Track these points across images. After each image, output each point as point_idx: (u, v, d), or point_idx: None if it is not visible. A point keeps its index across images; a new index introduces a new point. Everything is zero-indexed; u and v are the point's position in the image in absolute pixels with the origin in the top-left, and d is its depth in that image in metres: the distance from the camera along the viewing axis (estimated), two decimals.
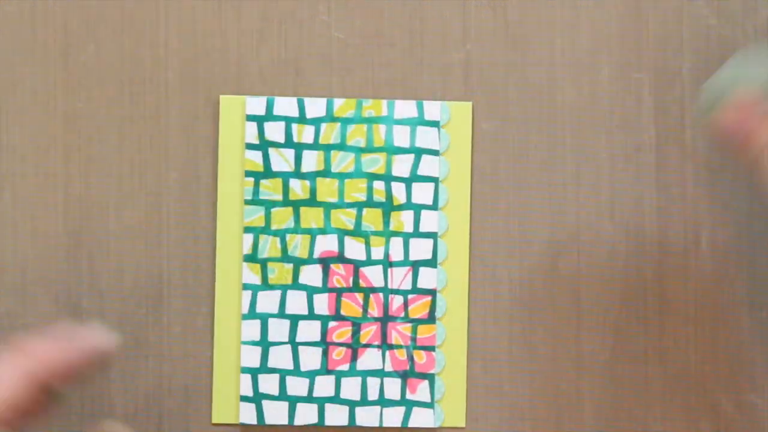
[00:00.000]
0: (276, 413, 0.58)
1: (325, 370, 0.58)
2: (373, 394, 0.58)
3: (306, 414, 0.58)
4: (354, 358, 0.58)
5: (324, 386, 0.58)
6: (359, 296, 0.58)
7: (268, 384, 0.58)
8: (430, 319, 0.58)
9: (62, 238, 0.60)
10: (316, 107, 0.58)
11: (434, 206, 0.58)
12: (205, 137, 0.59)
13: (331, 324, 0.58)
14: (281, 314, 0.58)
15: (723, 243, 0.58)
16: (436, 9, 0.59)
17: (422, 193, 0.58)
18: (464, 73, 0.59)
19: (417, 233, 0.58)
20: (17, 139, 0.60)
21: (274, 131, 0.58)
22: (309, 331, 0.58)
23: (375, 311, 0.58)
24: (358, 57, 0.59)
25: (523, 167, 0.58)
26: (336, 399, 0.58)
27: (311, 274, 0.58)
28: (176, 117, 0.59)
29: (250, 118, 0.58)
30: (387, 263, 0.58)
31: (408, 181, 0.58)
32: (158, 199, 0.59)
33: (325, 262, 0.58)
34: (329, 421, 0.58)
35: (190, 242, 0.59)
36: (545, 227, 0.58)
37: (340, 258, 0.58)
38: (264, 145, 0.58)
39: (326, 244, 0.58)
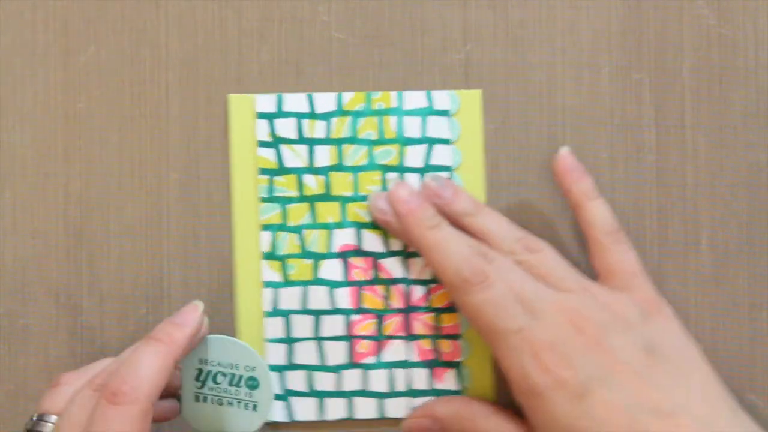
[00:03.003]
0: (305, 409, 0.58)
1: (352, 363, 0.58)
2: (400, 385, 0.58)
3: (335, 408, 0.58)
4: (379, 350, 0.58)
5: (351, 380, 0.58)
6: (380, 288, 0.58)
7: (296, 380, 0.58)
8: (453, 307, 0.58)
9: (62, 238, 0.60)
10: (325, 102, 0.58)
11: None
12: (206, 137, 0.59)
13: (354, 317, 0.58)
14: (304, 310, 0.58)
15: (723, 243, 0.58)
16: (436, 9, 0.59)
17: None
18: (464, 73, 0.59)
19: None
20: (17, 139, 0.60)
21: (286, 128, 0.58)
22: (333, 325, 0.58)
23: (397, 302, 0.58)
24: (358, 57, 0.59)
25: (523, 167, 0.58)
26: (364, 392, 0.58)
27: (331, 269, 0.58)
28: (176, 117, 0.59)
29: (261, 115, 0.58)
30: (405, 254, 0.58)
31: (422, 172, 0.58)
32: (158, 199, 0.59)
33: (344, 255, 0.58)
34: (359, 415, 0.58)
35: (190, 242, 0.59)
36: (545, 227, 0.58)
37: (359, 251, 0.58)
38: (276, 142, 0.58)
39: (344, 237, 0.58)
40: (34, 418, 0.51)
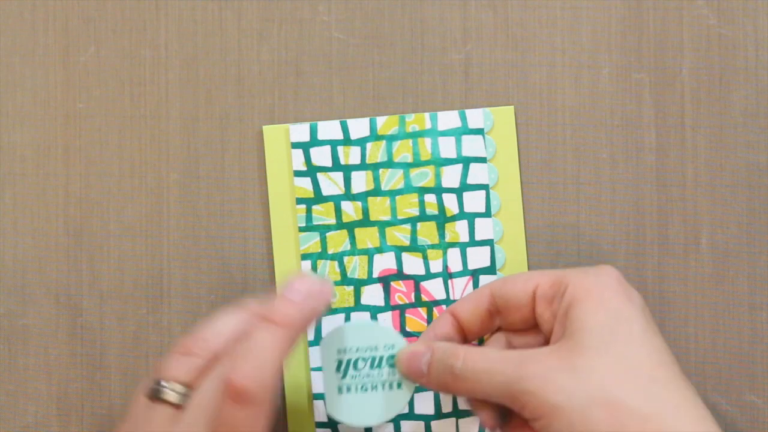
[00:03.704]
0: None
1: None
2: (446, 407, 0.57)
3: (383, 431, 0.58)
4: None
5: None
6: (422, 311, 0.58)
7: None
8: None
9: (62, 238, 0.60)
10: (359, 127, 0.58)
11: (487, 213, 0.58)
12: (205, 137, 0.59)
13: None
14: None
15: (723, 243, 0.58)
16: (436, 9, 0.59)
17: (474, 202, 0.58)
18: (464, 73, 0.59)
19: (473, 242, 0.58)
20: (17, 139, 0.60)
21: (321, 156, 0.58)
22: None
23: None
24: (358, 57, 0.59)
25: (523, 167, 0.58)
26: (411, 415, 0.58)
27: (373, 294, 0.58)
28: (176, 117, 0.59)
29: (295, 145, 0.58)
30: (447, 275, 0.58)
31: (459, 191, 0.58)
32: (158, 199, 0.59)
33: (385, 280, 0.58)
34: None
35: (190, 242, 0.59)
36: (545, 227, 0.58)
37: (400, 275, 0.58)
38: (312, 171, 0.58)
39: (384, 262, 0.58)
40: (160, 384, 0.49)
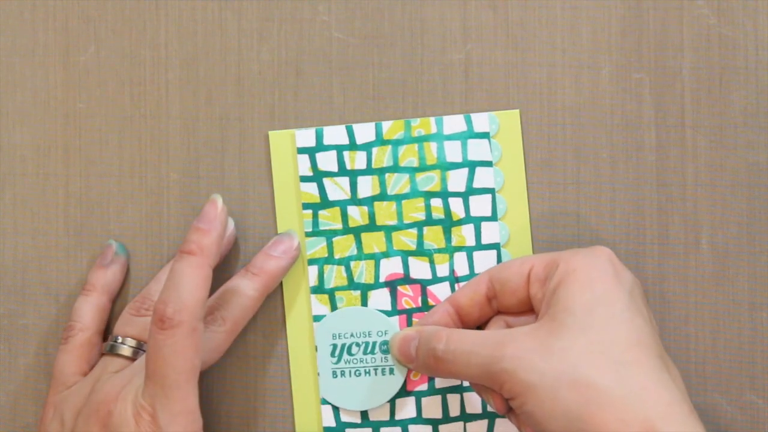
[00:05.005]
0: None
1: (405, 392, 0.58)
2: (454, 411, 0.58)
3: None
4: (431, 377, 0.58)
5: (406, 408, 0.58)
6: None
7: (350, 413, 0.58)
8: None
9: (62, 238, 0.60)
10: (365, 132, 0.58)
11: (493, 217, 0.58)
12: (205, 137, 0.59)
13: None
14: None
15: (723, 243, 0.58)
16: (436, 9, 0.59)
17: (480, 206, 0.58)
18: (464, 73, 0.59)
19: (480, 246, 0.58)
20: (17, 139, 0.60)
21: (327, 161, 0.58)
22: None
23: None
24: (358, 57, 0.59)
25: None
26: (419, 419, 0.58)
27: (380, 299, 0.58)
28: (176, 117, 0.59)
29: (301, 150, 0.58)
30: (453, 279, 0.58)
31: (465, 195, 0.58)
32: (158, 199, 0.59)
33: (392, 284, 0.58)
34: None
35: None
36: (546, 227, 0.58)
37: (407, 279, 0.58)
38: (318, 176, 0.58)
39: (391, 267, 0.58)
40: (116, 340, 0.56)
